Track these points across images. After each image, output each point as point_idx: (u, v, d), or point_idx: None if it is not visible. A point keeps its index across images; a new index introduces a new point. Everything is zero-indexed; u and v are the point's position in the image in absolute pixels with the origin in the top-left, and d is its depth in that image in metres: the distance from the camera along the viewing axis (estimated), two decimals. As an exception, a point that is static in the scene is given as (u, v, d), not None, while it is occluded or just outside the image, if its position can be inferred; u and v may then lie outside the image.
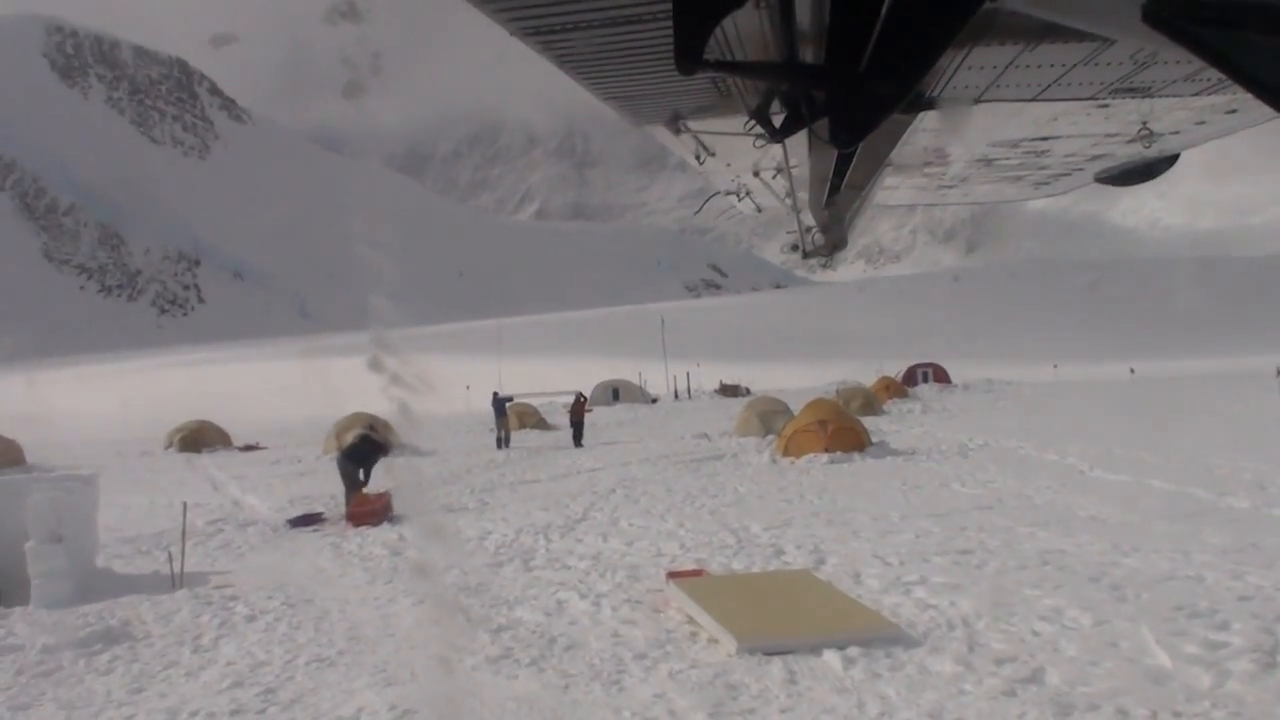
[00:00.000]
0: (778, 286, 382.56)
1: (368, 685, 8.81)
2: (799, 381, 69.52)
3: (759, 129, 4.74)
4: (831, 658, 8.58)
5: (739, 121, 5.27)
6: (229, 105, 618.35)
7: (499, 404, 37.83)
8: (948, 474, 21.23)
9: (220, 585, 13.60)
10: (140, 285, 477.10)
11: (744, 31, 3.94)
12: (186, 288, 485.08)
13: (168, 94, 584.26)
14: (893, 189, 8.10)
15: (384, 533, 17.49)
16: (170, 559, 14.28)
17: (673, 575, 11.75)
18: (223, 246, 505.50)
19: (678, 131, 6.14)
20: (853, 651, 8.66)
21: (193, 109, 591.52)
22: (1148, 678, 7.96)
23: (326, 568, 14.78)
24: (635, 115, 6.13)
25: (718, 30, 3.37)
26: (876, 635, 9.08)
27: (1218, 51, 1.75)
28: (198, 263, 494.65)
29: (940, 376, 66.87)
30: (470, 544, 15.72)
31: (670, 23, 2.95)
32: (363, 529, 18.17)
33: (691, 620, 10.10)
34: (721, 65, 4.07)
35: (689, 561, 13.26)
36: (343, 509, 20.19)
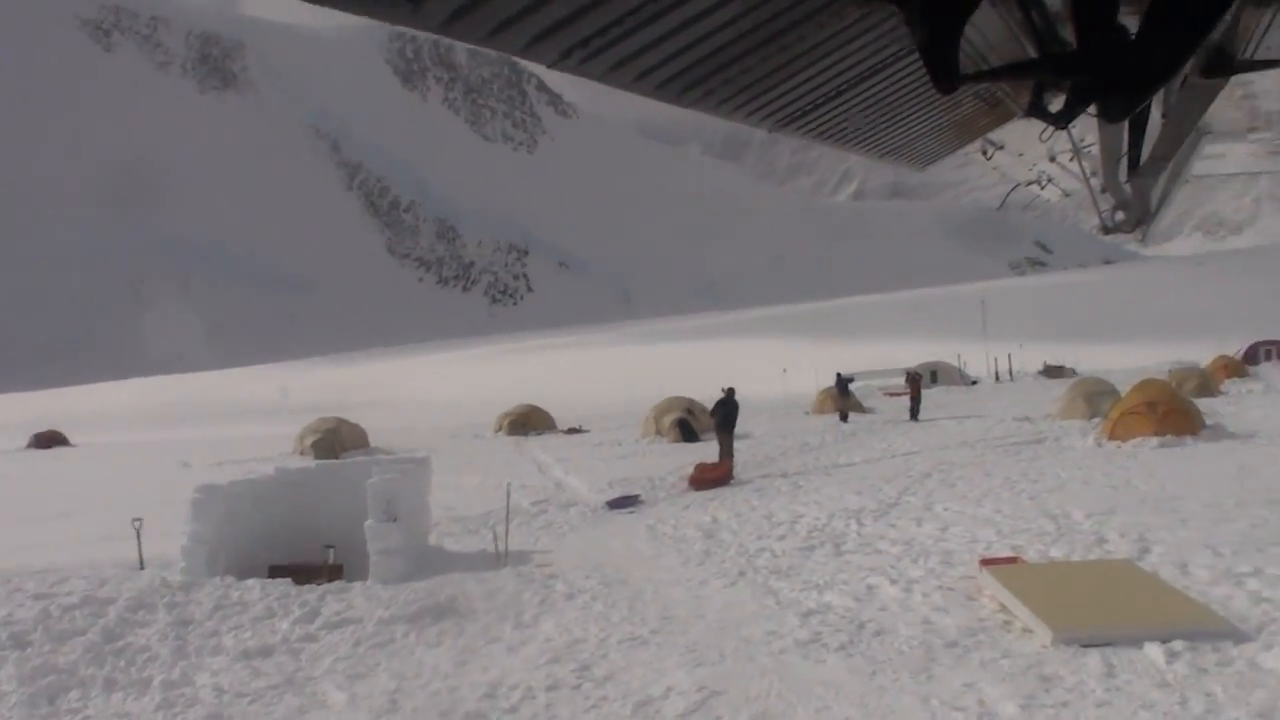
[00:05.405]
0: (1107, 262, 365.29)
1: (678, 665, 8.96)
2: (1128, 362, 66.18)
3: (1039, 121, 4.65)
4: (1153, 651, 8.12)
5: (1017, 120, 5.18)
6: (555, 100, 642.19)
7: (842, 384, 41.64)
8: (1292, 459, 19.67)
9: (542, 564, 14.14)
10: (474, 276, 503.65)
11: (990, 39, 3.85)
12: (516, 277, 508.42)
13: (499, 92, 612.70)
14: (1216, 157, 7.64)
15: (697, 515, 17.76)
16: (496, 538, 14.96)
17: (986, 562, 11.43)
18: (550, 237, 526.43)
19: (962, 143, 6.03)
20: (1177, 645, 8.16)
21: (522, 105, 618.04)
22: None
23: (642, 549, 15.12)
24: (918, 158, 6.03)
25: (964, 44, 3.30)
26: (1203, 629, 8.51)
27: None
28: (526, 253, 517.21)
29: (1286, 354, 62.21)
30: (782, 527, 15.75)
31: (913, 59, 2.94)
32: (691, 503, 18.58)
33: (1005, 609, 9.79)
34: (980, 75, 3.99)
35: (1005, 548, 12.85)
36: (658, 491, 20.75)
